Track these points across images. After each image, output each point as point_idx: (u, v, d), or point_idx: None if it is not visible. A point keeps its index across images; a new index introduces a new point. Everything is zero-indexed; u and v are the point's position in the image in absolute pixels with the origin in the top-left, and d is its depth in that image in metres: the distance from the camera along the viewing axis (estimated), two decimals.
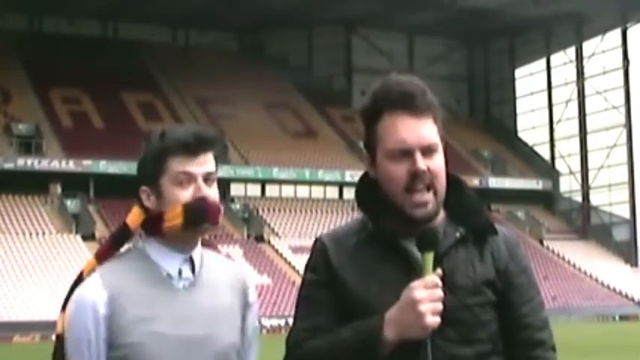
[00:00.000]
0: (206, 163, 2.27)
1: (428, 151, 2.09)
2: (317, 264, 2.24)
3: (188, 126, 2.33)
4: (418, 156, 2.08)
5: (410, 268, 2.08)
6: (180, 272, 2.29)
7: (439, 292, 1.98)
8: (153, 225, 2.29)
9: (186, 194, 2.24)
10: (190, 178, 2.25)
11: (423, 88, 2.14)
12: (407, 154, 2.09)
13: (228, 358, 2.27)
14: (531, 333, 2.17)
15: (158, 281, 2.27)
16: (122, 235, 2.34)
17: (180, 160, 2.25)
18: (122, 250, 2.36)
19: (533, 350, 2.17)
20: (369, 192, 2.19)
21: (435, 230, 2.06)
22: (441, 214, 2.18)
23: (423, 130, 2.09)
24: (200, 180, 2.25)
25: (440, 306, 1.98)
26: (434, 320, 1.98)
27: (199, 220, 2.24)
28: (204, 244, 2.39)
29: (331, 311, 2.17)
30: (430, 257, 2.01)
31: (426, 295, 1.97)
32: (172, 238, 2.28)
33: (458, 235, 2.15)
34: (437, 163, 2.11)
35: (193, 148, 2.25)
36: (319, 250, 2.25)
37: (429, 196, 2.10)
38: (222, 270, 2.37)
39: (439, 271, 2.01)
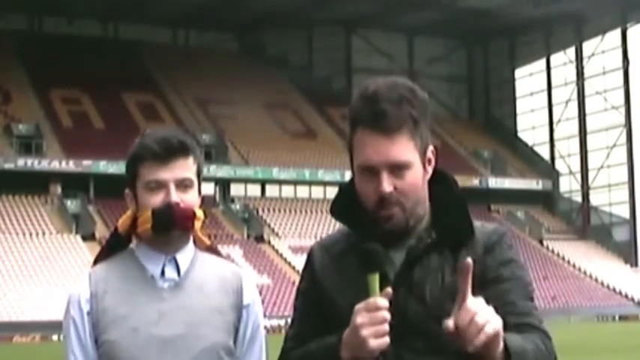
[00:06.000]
0: (178, 169, 2.28)
1: (396, 169, 2.03)
2: (303, 272, 2.25)
3: (166, 131, 2.34)
4: (384, 177, 2.03)
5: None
6: (163, 273, 2.32)
7: (382, 315, 1.90)
8: (134, 228, 2.35)
9: (156, 200, 2.27)
10: (160, 184, 2.28)
11: (401, 97, 2.04)
12: (374, 172, 2.04)
13: (212, 357, 2.29)
14: (515, 319, 2.01)
15: (142, 281, 2.32)
16: (113, 237, 2.40)
17: (150, 167, 2.28)
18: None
19: (520, 332, 2.00)
20: (350, 199, 2.13)
21: (377, 252, 1.98)
22: (427, 217, 2.13)
23: (392, 149, 2.02)
24: (171, 186, 2.27)
25: (384, 328, 1.90)
26: (378, 343, 1.90)
27: (167, 226, 2.27)
28: (208, 250, 2.43)
29: (317, 318, 2.15)
30: (375, 279, 1.94)
31: (367, 320, 1.90)
32: (149, 240, 2.32)
33: (429, 240, 2.09)
34: (407, 180, 2.04)
35: (162, 156, 2.27)
36: (307, 258, 2.25)
37: (394, 210, 2.05)
38: (215, 272, 2.38)
39: (388, 290, 1.92)
